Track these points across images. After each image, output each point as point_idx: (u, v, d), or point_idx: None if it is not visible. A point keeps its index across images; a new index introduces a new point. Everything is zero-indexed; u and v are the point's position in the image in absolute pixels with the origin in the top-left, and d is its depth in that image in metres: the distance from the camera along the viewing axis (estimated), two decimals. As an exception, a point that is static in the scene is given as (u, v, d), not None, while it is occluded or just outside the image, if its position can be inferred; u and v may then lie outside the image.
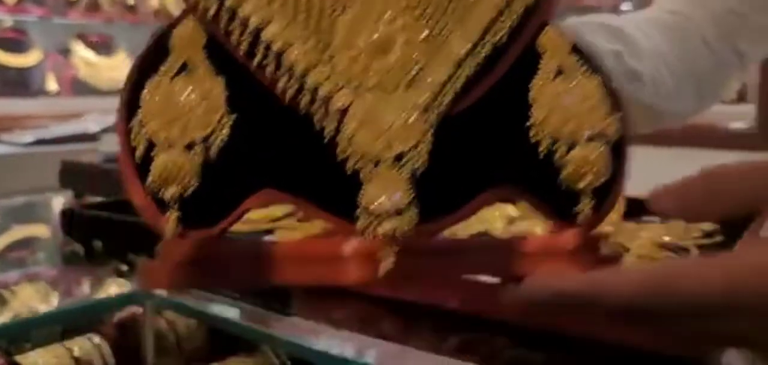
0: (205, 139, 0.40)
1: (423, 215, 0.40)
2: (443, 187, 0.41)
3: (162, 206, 0.40)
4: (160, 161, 0.39)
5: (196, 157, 0.40)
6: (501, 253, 0.42)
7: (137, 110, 0.40)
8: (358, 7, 0.41)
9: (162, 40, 0.41)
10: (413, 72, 0.41)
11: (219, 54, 0.41)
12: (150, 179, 0.39)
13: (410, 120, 0.40)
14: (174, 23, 0.41)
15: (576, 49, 0.43)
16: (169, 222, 0.39)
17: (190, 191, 0.39)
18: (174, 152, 0.39)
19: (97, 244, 0.84)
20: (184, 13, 0.41)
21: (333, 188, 0.40)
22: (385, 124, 0.40)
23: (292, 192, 0.41)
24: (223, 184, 0.40)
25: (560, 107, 0.42)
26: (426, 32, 0.41)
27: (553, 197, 0.42)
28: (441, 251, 0.42)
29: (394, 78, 0.40)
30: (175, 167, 0.39)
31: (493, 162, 0.42)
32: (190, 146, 0.40)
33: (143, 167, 0.40)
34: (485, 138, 0.42)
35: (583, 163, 0.41)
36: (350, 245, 0.41)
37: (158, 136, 0.39)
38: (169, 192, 0.39)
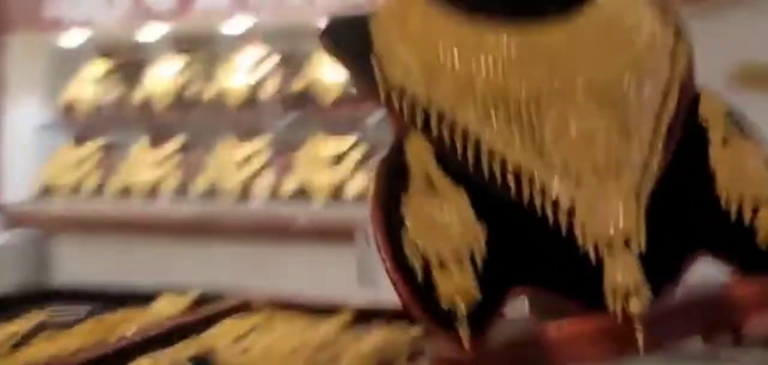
0: (469, 250, 0.43)
1: (652, 289, 0.45)
2: (659, 260, 0.46)
3: (437, 317, 0.42)
4: (445, 282, 0.42)
5: (468, 270, 0.43)
6: (717, 308, 0.47)
7: (398, 229, 0.43)
8: (560, 105, 0.45)
9: (398, 157, 0.46)
10: (617, 159, 0.46)
11: (452, 165, 0.45)
12: (441, 298, 0.42)
13: (627, 203, 0.46)
14: (401, 137, 0.46)
15: (729, 115, 0.50)
16: (464, 336, 0.42)
17: (474, 304, 0.42)
18: (452, 271, 0.42)
19: None
20: (407, 129, 0.46)
21: (574, 277, 0.45)
22: (608, 209, 0.45)
23: (542, 286, 0.45)
24: (488, 289, 0.44)
25: (740, 172, 0.48)
26: (619, 123, 0.46)
27: (749, 255, 0.48)
28: (671, 315, 0.47)
29: (603, 166, 0.46)
30: (461, 284, 0.43)
31: (693, 232, 0.48)
32: (460, 260, 0.43)
33: (413, 279, 0.42)
34: (683, 212, 0.48)
35: None
36: (608, 324, 0.44)
37: (431, 255, 0.42)
38: (460, 309, 0.42)
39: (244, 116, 2.50)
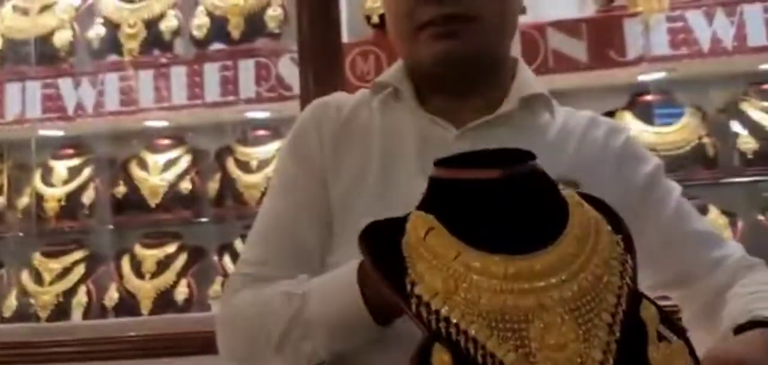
0: None
1: None
2: None
3: None
4: None
5: None
6: None
7: None
8: (542, 320, 0.60)
9: (425, 361, 0.58)
10: (583, 360, 0.59)
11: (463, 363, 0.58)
12: None
13: None
14: (428, 344, 0.58)
15: (663, 316, 0.64)
16: None
17: None
18: None
19: None
20: (432, 338, 0.58)
21: None
22: None
23: None
24: None
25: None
26: (585, 330, 0.60)
27: None
28: None
29: (580, 361, 0.59)
30: None
31: None
32: None
33: None
34: None
35: None
36: None
37: None
38: None
39: (62, 225, 2.38)
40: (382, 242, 0.66)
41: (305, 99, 1.91)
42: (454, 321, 0.60)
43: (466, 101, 0.86)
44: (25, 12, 2.40)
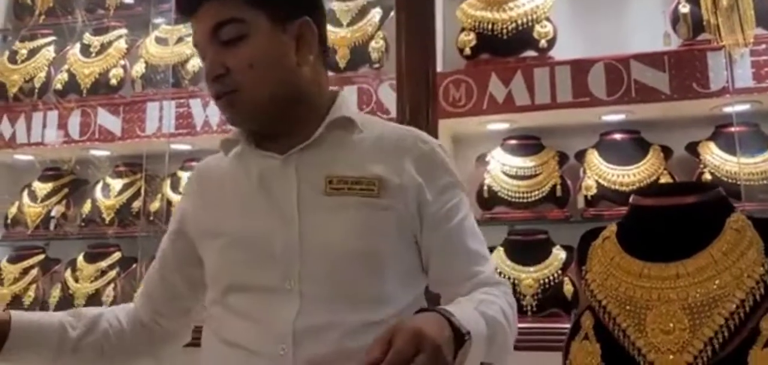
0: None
1: None
2: None
3: None
4: None
5: None
6: None
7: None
8: (660, 308, 0.85)
9: (577, 323, 0.91)
10: (684, 344, 0.82)
11: (600, 327, 0.88)
12: None
13: None
14: (581, 312, 0.94)
15: None
16: None
17: None
18: None
19: None
20: (585, 309, 0.94)
21: None
22: None
23: None
24: None
25: None
26: (694, 323, 0.82)
27: None
28: None
29: (681, 345, 0.82)
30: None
31: None
32: None
33: None
34: None
35: None
36: None
37: None
38: None
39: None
40: (586, 242, 0.99)
41: (401, 121, 2.10)
42: (600, 298, 0.89)
43: (289, 136, 1.05)
44: (164, 42, 2.76)
